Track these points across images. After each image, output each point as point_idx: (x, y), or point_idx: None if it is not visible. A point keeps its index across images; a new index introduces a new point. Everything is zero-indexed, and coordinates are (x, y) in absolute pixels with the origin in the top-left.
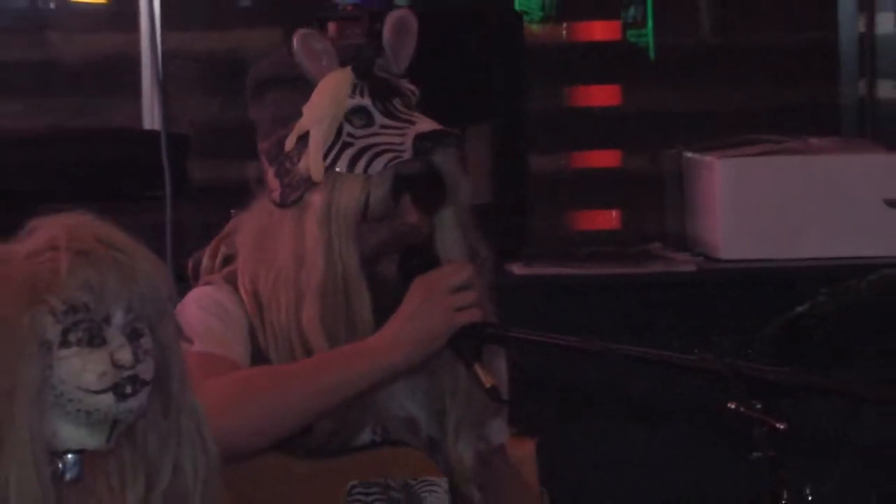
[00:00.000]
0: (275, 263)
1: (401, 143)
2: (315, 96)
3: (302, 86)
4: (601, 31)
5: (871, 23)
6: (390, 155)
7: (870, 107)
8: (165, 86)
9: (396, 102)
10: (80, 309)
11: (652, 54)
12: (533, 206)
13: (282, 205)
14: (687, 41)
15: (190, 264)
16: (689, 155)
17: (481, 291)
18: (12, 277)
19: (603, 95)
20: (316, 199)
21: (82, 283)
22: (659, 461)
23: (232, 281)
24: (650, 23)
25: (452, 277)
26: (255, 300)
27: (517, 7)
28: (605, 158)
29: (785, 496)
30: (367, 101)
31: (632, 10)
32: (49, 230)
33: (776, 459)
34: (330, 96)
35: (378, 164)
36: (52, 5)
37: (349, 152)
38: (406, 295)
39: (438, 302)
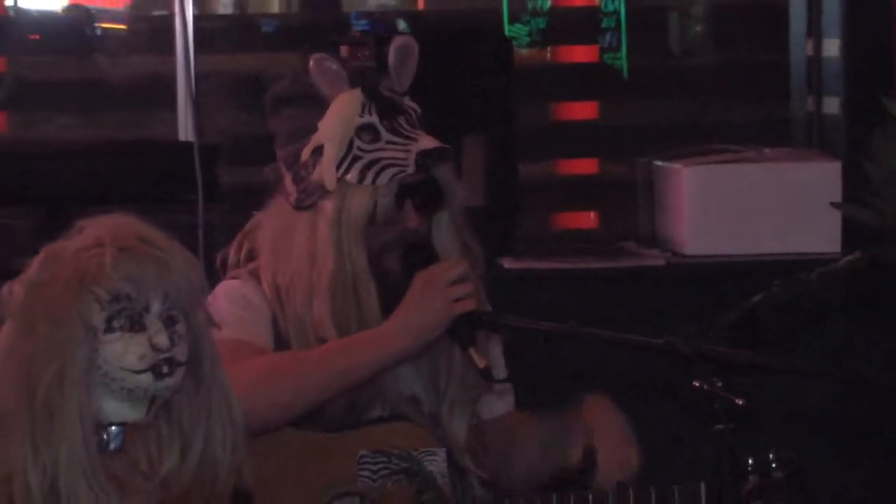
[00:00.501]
0: (291, 261)
1: (405, 159)
2: (329, 114)
3: (315, 103)
4: (581, 54)
5: (818, 47)
6: (396, 169)
7: (817, 121)
8: (197, 102)
9: (401, 120)
10: (123, 299)
11: (626, 74)
12: (521, 207)
13: (297, 208)
14: (656, 63)
15: (218, 259)
16: (659, 163)
17: (475, 283)
18: (63, 271)
19: (582, 111)
20: (328, 204)
21: (124, 276)
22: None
23: (256, 275)
24: (624, 47)
25: (450, 272)
26: (275, 292)
27: (507, 33)
28: (585, 166)
29: (750, 463)
30: (374, 119)
31: (608, 36)
32: (95, 229)
33: (735, 431)
34: (342, 114)
35: (385, 177)
36: (98, 32)
37: (359, 165)
38: (409, 288)
39: (438, 293)
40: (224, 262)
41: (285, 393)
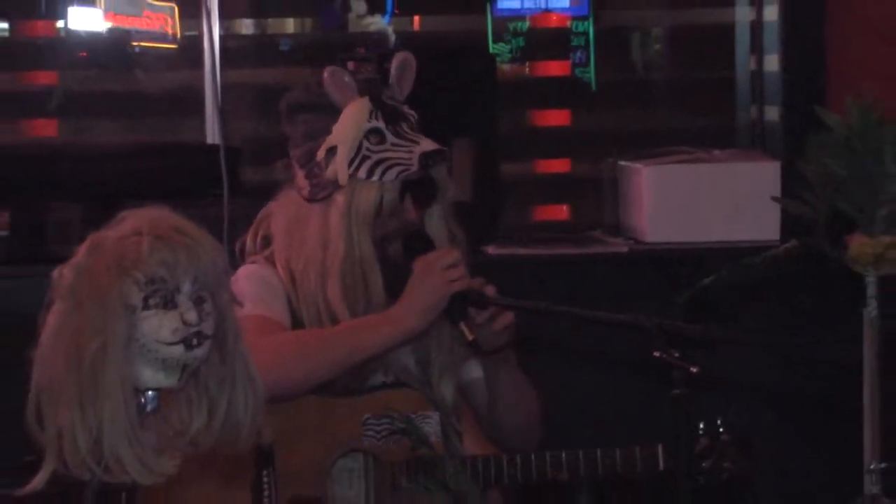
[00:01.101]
0: (304, 247)
1: (409, 159)
2: (341, 119)
3: (325, 109)
4: (555, 68)
5: (760, 63)
6: (401, 167)
7: (759, 127)
8: (223, 110)
9: (403, 125)
10: (158, 281)
11: (594, 86)
12: (503, 202)
13: (310, 200)
14: (620, 76)
15: (237, 247)
16: (622, 163)
17: (466, 267)
18: (106, 256)
19: (556, 118)
20: (340, 198)
21: (159, 261)
22: (601, 399)
23: (271, 261)
24: (592, 63)
25: (445, 258)
26: (289, 276)
27: (491, 51)
28: (559, 166)
29: (701, 426)
30: (381, 124)
31: (578, 53)
32: (134, 220)
33: (689, 397)
34: (353, 120)
35: (391, 174)
36: (137, 50)
37: (367, 164)
38: (412, 275)
39: (436, 277)
40: (242, 250)
41: (307, 367)
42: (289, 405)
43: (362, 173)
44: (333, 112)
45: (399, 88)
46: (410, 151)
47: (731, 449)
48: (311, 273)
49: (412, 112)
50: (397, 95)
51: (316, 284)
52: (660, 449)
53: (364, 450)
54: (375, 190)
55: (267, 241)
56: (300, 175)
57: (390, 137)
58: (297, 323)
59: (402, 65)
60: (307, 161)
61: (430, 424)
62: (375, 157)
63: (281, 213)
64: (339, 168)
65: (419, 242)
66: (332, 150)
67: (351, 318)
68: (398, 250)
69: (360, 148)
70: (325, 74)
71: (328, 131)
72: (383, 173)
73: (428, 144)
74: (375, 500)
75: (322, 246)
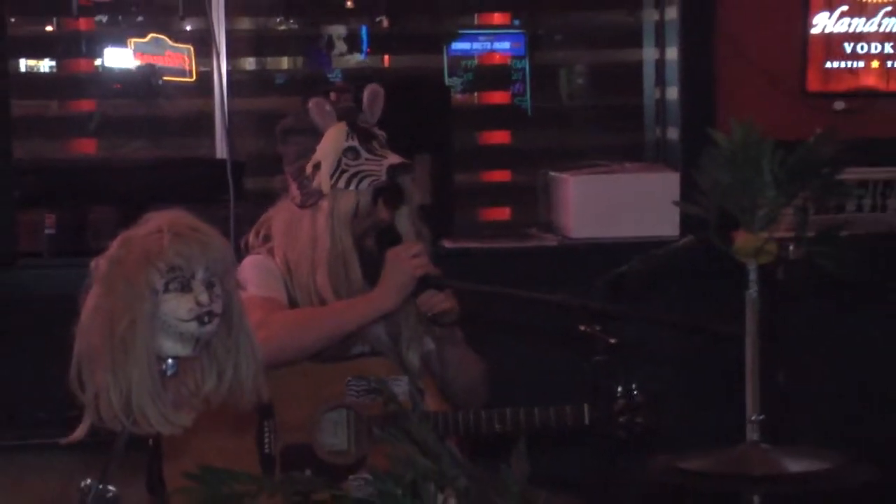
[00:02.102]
0: (298, 243)
1: (378, 170)
2: (324, 140)
3: (312, 133)
4: (498, 97)
5: (662, 93)
6: (372, 178)
7: (662, 145)
8: (230, 131)
9: (374, 143)
10: (176, 269)
11: (529, 112)
12: (456, 205)
13: (301, 206)
14: (551, 104)
15: (242, 243)
16: (553, 174)
17: (428, 257)
18: (134, 250)
19: (499, 137)
20: (325, 204)
21: (178, 253)
22: (534, 367)
23: (271, 253)
24: (528, 93)
25: (411, 249)
26: (286, 267)
27: (446, 83)
28: (502, 176)
29: (619, 391)
30: (356, 143)
31: (517, 85)
32: (157, 220)
33: (609, 363)
34: (333, 141)
35: (365, 184)
36: (161, 83)
37: (345, 176)
38: (385, 264)
39: (405, 264)
40: (246, 245)
41: (304, 339)
42: (285, 370)
43: (342, 184)
44: (318, 135)
45: (371, 113)
46: (380, 164)
47: (643, 407)
48: (304, 264)
49: (381, 132)
50: (370, 119)
51: (308, 273)
52: (586, 407)
53: (346, 405)
54: (353, 197)
55: (267, 239)
56: (293, 186)
57: (364, 154)
58: (292, 304)
59: (372, 95)
60: (298, 175)
61: (400, 386)
62: (352, 170)
63: (279, 217)
64: (322, 180)
65: (389, 237)
66: (317, 166)
67: (336, 301)
68: (372, 244)
69: (339, 163)
70: (310, 104)
71: (314, 150)
72: (359, 183)
73: (394, 158)
74: (355, 446)
75: (312, 242)
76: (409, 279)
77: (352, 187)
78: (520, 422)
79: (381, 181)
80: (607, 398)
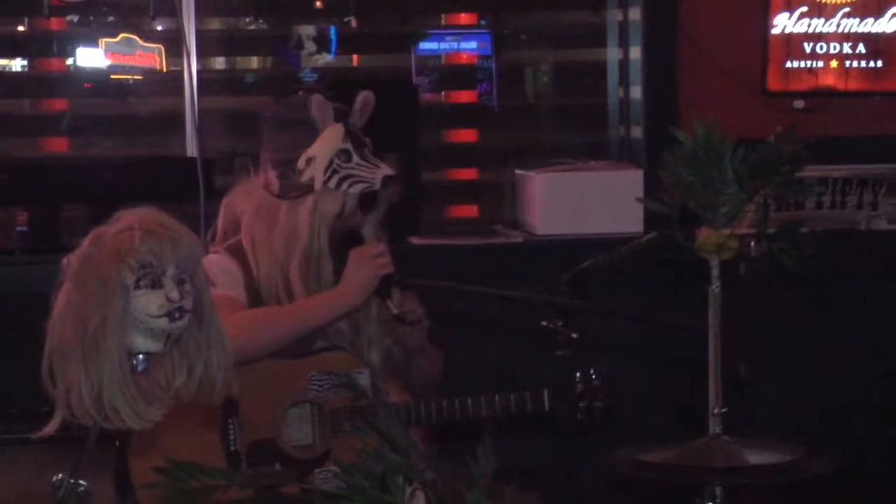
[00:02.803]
0: (272, 232)
1: (372, 178)
2: (322, 137)
3: (305, 126)
4: (465, 96)
5: (626, 92)
6: (365, 184)
7: (626, 143)
8: (200, 129)
9: (365, 150)
10: (147, 266)
11: (496, 110)
12: (424, 202)
13: (280, 196)
14: (517, 103)
15: (209, 234)
16: (519, 172)
17: (390, 257)
18: (106, 247)
19: (466, 135)
20: (310, 199)
21: (148, 250)
22: (500, 360)
23: (230, 251)
24: (495, 91)
25: (374, 249)
26: (253, 251)
27: (414, 82)
28: (468, 174)
29: (577, 377)
30: (349, 146)
31: (484, 84)
32: (128, 217)
33: (571, 356)
34: (330, 140)
35: (357, 188)
36: (131, 82)
37: (336, 176)
38: (348, 263)
39: (368, 263)
40: (213, 235)
41: (265, 339)
42: (248, 368)
43: (332, 183)
44: (310, 129)
45: (359, 119)
46: (373, 173)
47: (601, 390)
48: (277, 253)
49: (368, 140)
50: (358, 122)
51: (280, 262)
52: (545, 393)
53: (310, 400)
54: (340, 198)
55: (234, 228)
56: (271, 175)
57: (355, 158)
58: (253, 292)
59: (364, 101)
60: (283, 165)
61: (363, 378)
62: (343, 172)
63: (245, 201)
64: (316, 176)
65: (351, 237)
66: (311, 161)
67: (304, 294)
68: (337, 244)
69: (331, 163)
70: (313, 100)
71: (305, 144)
72: (350, 186)
73: (387, 169)
74: (320, 440)
75: (290, 234)
76: (372, 278)
77: (342, 188)
78: (481, 409)
79: (373, 188)
80: (566, 383)
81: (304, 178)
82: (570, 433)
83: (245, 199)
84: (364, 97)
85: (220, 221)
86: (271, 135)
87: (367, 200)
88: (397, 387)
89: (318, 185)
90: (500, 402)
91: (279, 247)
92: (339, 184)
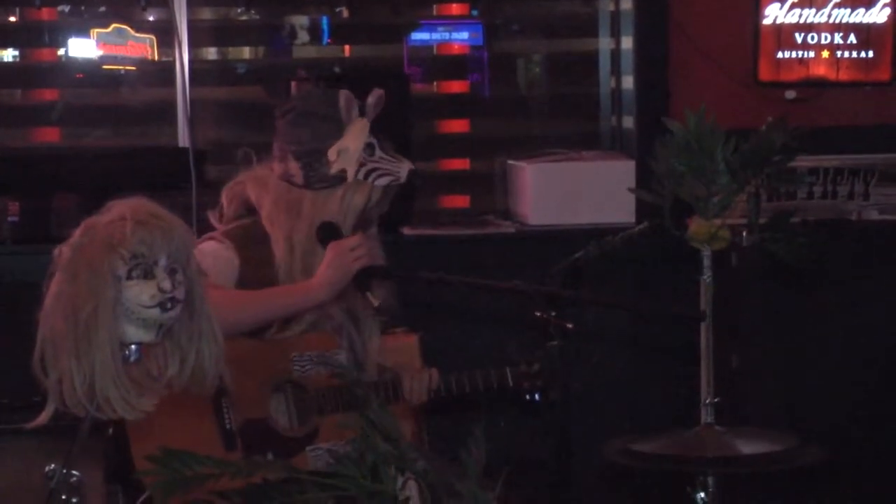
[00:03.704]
0: (298, 220)
1: (398, 171)
2: (352, 132)
3: (330, 120)
4: (457, 87)
5: (618, 82)
6: (391, 177)
7: (618, 133)
8: (192, 119)
9: (384, 144)
10: (139, 256)
11: (488, 100)
12: (417, 192)
13: (305, 186)
14: (509, 93)
15: (211, 215)
16: (511, 162)
17: (371, 249)
18: (97, 237)
19: (458, 126)
20: (341, 190)
21: (140, 241)
22: (491, 351)
23: (231, 236)
24: (486, 82)
25: (350, 242)
26: (276, 242)
27: (406, 72)
28: (460, 164)
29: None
30: (373, 140)
31: (476, 74)
32: (120, 208)
33: (564, 347)
34: (359, 133)
35: (383, 181)
36: (123, 72)
37: (364, 169)
38: (325, 257)
39: (344, 256)
40: (221, 213)
41: (234, 318)
42: (232, 347)
43: (360, 175)
44: (334, 123)
45: (371, 114)
46: (398, 167)
47: (538, 377)
48: (301, 242)
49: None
50: (371, 118)
51: (303, 251)
52: (507, 370)
53: (292, 380)
54: (368, 189)
55: (239, 213)
56: (293, 165)
57: (378, 152)
58: (250, 275)
59: (376, 98)
60: (306, 156)
61: (340, 358)
62: (369, 165)
63: (258, 189)
64: (348, 167)
65: (329, 230)
66: (342, 152)
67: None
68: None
69: (359, 156)
70: (342, 96)
71: (332, 136)
72: (376, 178)
73: (409, 164)
74: (306, 419)
75: (314, 223)
76: (346, 273)
77: (369, 180)
78: (451, 388)
79: (399, 181)
80: (562, 382)
81: (334, 169)
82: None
83: (259, 188)
84: (378, 95)
85: (226, 205)
86: (290, 127)
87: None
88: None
89: (350, 177)
90: (480, 377)
91: (303, 237)
92: (365, 176)
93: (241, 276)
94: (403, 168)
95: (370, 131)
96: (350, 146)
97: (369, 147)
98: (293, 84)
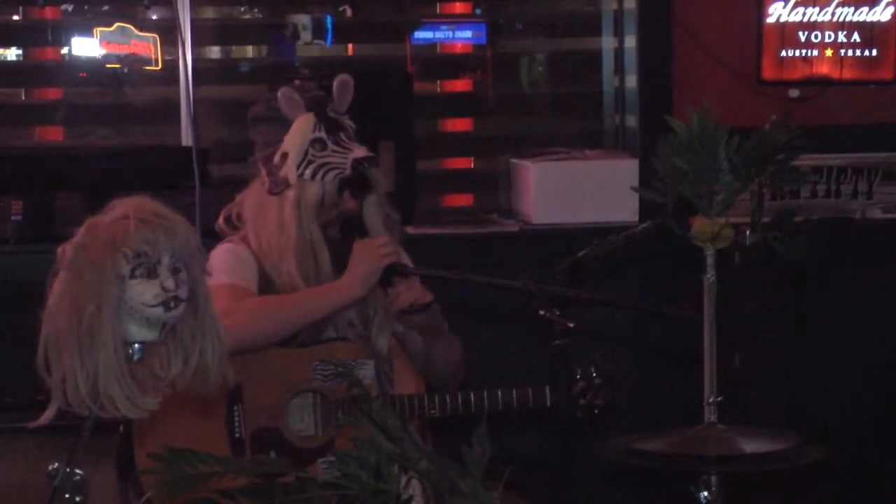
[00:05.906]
0: (265, 229)
1: (343, 163)
2: (292, 130)
3: (280, 121)
4: (460, 85)
5: (621, 81)
6: (337, 170)
7: (622, 132)
8: (195, 118)
9: (342, 134)
10: (142, 255)
11: (491, 99)
12: (419, 191)
13: (270, 193)
14: (512, 92)
15: (216, 225)
16: (514, 161)
17: (395, 246)
18: (101, 236)
19: (461, 124)
20: (291, 193)
21: (143, 240)
22: (497, 349)
23: (244, 241)
24: (490, 81)
25: (378, 239)
26: (260, 250)
27: (409, 71)
28: (463, 163)
29: (578, 373)
30: (323, 135)
31: (478, 73)
32: (123, 206)
33: (567, 346)
34: (301, 131)
35: (330, 176)
36: (126, 71)
37: (312, 167)
38: (352, 253)
39: (372, 254)
40: (228, 219)
41: (270, 327)
42: (254, 355)
43: (308, 174)
44: (286, 124)
45: (340, 103)
46: (345, 157)
47: (602, 388)
48: (273, 251)
49: (351, 123)
50: (339, 109)
51: (277, 260)
52: (547, 389)
53: (313, 389)
54: (318, 187)
55: (241, 220)
56: (263, 172)
57: (330, 145)
58: (268, 287)
59: (341, 85)
60: (267, 162)
61: (367, 370)
62: (318, 161)
63: (249, 201)
64: (289, 170)
65: (354, 226)
66: (284, 156)
67: (306, 288)
68: (337, 233)
69: (306, 154)
70: (279, 94)
71: (280, 139)
72: (324, 175)
73: (360, 151)
74: (323, 430)
75: (279, 230)
76: (376, 269)
77: (317, 178)
78: (483, 404)
79: (345, 174)
80: (567, 380)
81: (282, 173)
82: (567, 428)
83: (250, 199)
84: (340, 81)
85: (223, 216)
86: (254, 132)
87: (358, 185)
88: (413, 376)
89: (292, 179)
90: (502, 398)
91: (274, 244)
92: (314, 174)
93: (261, 276)
94: (349, 157)
95: (328, 123)
96: (290, 147)
97: (318, 143)
98: (297, 82)
